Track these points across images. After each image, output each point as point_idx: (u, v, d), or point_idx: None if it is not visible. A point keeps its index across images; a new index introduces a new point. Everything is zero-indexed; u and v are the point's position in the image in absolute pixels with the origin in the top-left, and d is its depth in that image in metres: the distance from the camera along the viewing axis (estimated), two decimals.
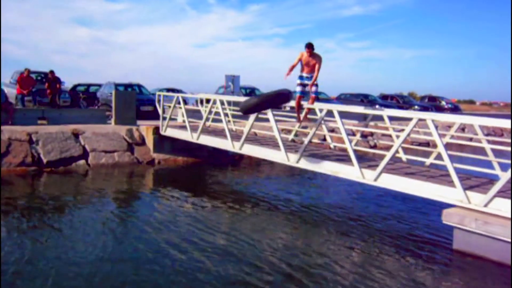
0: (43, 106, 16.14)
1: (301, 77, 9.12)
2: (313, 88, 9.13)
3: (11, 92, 16.44)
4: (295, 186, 11.46)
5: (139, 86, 21.40)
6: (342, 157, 9.00)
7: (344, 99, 29.51)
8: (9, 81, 18.58)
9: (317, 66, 8.92)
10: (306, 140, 8.90)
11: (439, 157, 7.58)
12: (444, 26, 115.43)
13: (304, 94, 9.31)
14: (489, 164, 8.04)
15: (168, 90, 24.85)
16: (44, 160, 12.32)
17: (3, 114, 13.85)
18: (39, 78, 18.55)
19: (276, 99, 8.77)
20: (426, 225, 8.24)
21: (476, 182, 7.32)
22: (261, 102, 8.64)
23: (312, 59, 8.94)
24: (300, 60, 9.03)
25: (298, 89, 9.19)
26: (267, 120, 9.91)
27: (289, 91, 8.88)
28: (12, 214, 8.18)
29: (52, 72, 16.57)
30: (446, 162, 6.81)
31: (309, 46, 8.83)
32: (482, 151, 8.44)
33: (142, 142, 14.25)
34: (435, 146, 7.50)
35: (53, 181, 11.29)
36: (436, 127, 7.11)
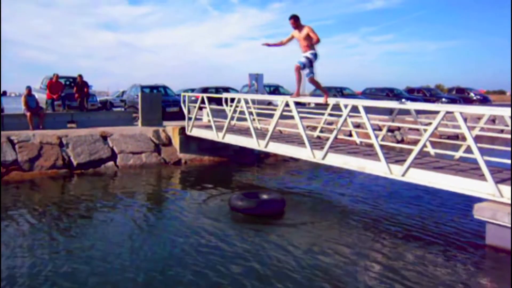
0: (72, 110, 16.50)
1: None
2: (302, 59, 8.58)
3: (41, 97, 16.86)
4: (321, 182, 11.39)
5: (165, 87, 21.62)
6: (368, 153, 8.91)
7: (369, 93, 29.15)
8: (39, 87, 19.02)
9: (306, 31, 8.34)
10: (331, 136, 8.84)
11: (468, 150, 7.42)
12: (469, 16, 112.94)
13: (304, 65, 8.69)
14: None
15: (193, 90, 25.00)
16: (74, 163, 12.59)
17: (35, 119, 14.22)
18: (67, 82, 18.97)
19: (268, 207, 8.41)
20: (457, 221, 8.07)
21: (508, 175, 7.11)
22: (253, 207, 8.25)
23: (300, 32, 8.48)
24: (292, 38, 8.67)
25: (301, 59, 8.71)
26: (292, 117, 9.88)
27: (284, 200, 8.59)
28: (47, 213, 8.41)
29: (80, 76, 16.89)
30: (476, 155, 6.65)
31: (291, 18, 8.40)
32: None
33: (169, 143, 14.41)
34: (464, 139, 7.33)
35: (84, 183, 11.52)
36: (465, 119, 6.96)
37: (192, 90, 23.70)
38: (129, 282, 5.60)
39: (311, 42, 8.56)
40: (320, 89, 9.43)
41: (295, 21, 8.49)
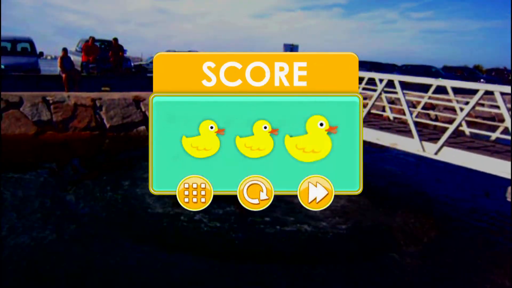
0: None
1: None
2: None
3: (76, 59, 17.07)
4: None
5: None
6: (401, 129, 8.74)
7: (405, 70, 28.44)
8: (75, 49, 19.24)
9: None
10: (364, 111, 8.70)
11: (505, 132, 7.19)
12: None
13: None
14: None
15: None
16: (107, 125, 12.83)
17: (70, 81, 14.45)
18: (102, 46, 19.12)
19: None
20: (488, 202, 7.92)
21: None
22: None
23: None
24: None
25: None
26: None
27: None
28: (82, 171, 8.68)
29: (116, 39, 17.02)
30: None
31: None
32: None
33: None
34: (501, 120, 7.10)
35: (116, 145, 11.77)
36: (505, 100, 6.71)
37: None
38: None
39: None
40: None
41: None
